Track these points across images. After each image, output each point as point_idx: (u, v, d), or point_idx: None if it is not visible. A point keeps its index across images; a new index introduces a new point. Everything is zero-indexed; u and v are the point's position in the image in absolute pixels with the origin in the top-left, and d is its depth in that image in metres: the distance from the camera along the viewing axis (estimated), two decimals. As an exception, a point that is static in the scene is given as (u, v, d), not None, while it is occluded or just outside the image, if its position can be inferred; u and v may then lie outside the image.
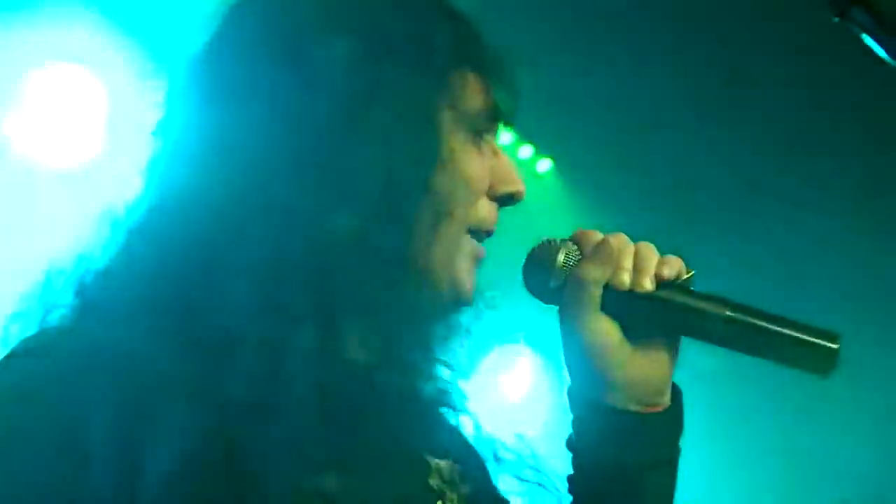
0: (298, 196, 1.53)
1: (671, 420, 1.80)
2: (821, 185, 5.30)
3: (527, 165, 5.53)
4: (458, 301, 1.70)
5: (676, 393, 1.81)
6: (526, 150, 5.40)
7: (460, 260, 1.67)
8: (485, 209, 1.72)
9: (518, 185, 1.74)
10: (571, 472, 1.83)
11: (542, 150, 5.46)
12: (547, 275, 1.76)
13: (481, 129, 1.70)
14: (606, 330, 1.73)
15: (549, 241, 1.79)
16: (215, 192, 1.54)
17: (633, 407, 1.76)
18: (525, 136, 5.33)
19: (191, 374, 1.47)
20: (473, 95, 1.69)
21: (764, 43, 4.87)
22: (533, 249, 1.79)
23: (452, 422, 1.78)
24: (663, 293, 1.73)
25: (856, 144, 5.17)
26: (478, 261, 1.71)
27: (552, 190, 5.61)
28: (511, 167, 1.75)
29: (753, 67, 5.00)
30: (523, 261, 1.80)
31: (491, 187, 1.72)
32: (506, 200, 1.74)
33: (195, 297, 1.52)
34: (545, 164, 5.50)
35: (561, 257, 1.76)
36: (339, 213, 1.54)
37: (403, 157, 1.58)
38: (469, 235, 1.70)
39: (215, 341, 1.48)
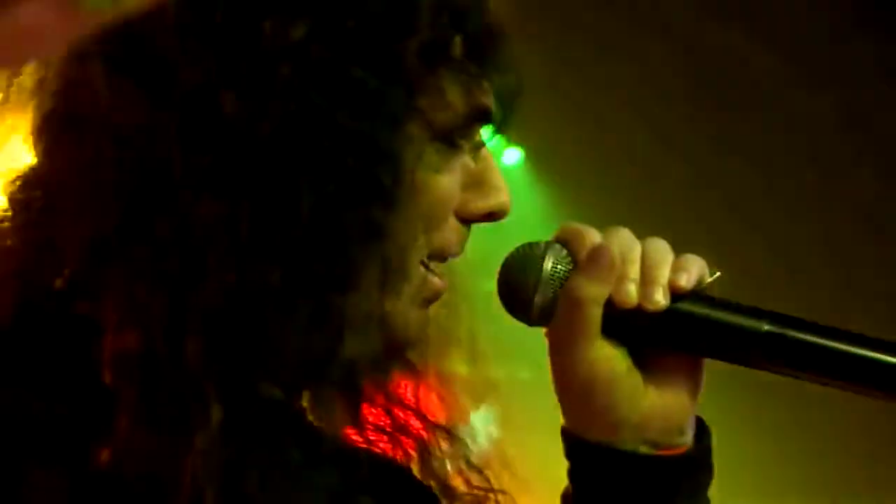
0: (211, 218, 1.33)
1: (695, 465, 1.57)
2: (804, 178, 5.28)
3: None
4: (399, 350, 1.51)
5: (702, 431, 1.58)
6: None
7: (408, 303, 1.46)
8: (449, 234, 1.48)
9: (497, 199, 1.50)
10: None
11: (509, 138, 5.14)
12: (530, 290, 1.52)
13: (460, 139, 1.45)
14: (610, 358, 1.52)
15: (530, 246, 1.54)
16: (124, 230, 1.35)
17: (645, 450, 1.54)
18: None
19: (58, 432, 1.33)
20: (451, 102, 1.44)
21: (742, 30, 4.93)
22: (510, 256, 1.55)
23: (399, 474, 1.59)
24: (680, 307, 1.51)
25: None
26: (431, 300, 1.50)
27: (522, 185, 5.50)
28: (491, 172, 1.49)
29: (735, 57, 5.06)
30: (497, 272, 1.57)
31: (461, 207, 1.48)
32: (480, 219, 1.51)
33: (65, 331, 1.36)
34: (513, 155, 5.37)
35: (548, 266, 1.52)
36: (261, 255, 1.34)
37: (347, 193, 1.36)
38: (423, 269, 1.47)
39: (90, 396, 1.32)
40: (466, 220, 1.51)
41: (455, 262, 1.54)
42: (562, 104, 4.96)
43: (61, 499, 1.31)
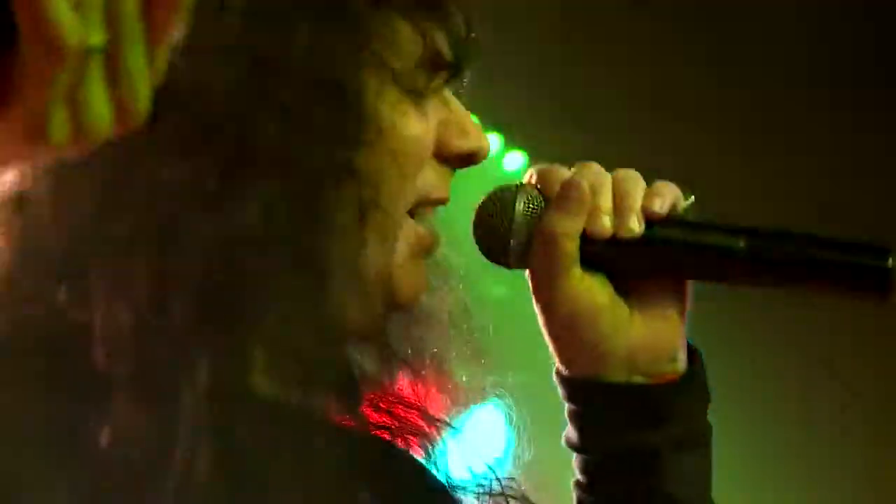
0: (179, 179, 1.32)
1: (691, 389, 1.59)
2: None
3: (493, 160, 5.15)
4: (398, 309, 1.49)
5: (694, 356, 1.60)
6: (492, 141, 4.84)
7: (399, 254, 1.45)
8: (431, 176, 1.48)
9: (476, 141, 1.49)
10: (576, 476, 1.64)
11: (511, 142, 5.21)
12: (505, 233, 1.54)
13: (421, 85, 1.47)
14: (592, 290, 1.54)
15: (501, 189, 1.56)
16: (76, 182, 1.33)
17: (639, 379, 1.56)
18: (490, 123, 4.70)
19: (58, 427, 1.29)
20: (406, 46, 1.46)
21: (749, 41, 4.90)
22: (482, 204, 1.57)
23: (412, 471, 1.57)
24: (656, 232, 1.52)
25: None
26: (425, 251, 1.49)
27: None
28: (466, 119, 1.50)
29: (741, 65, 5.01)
30: (471, 220, 1.58)
31: (440, 148, 1.48)
32: (461, 161, 1.50)
33: (57, 326, 1.33)
34: (516, 159, 5.24)
35: (520, 207, 1.54)
36: (234, 206, 1.32)
37: (310, 135, 1.36)
38: (411, 219, 1.47)
39: (85, 383, 1.29)
40: (447, 162, 1.49)
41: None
42: (565, 108, 4.90)
43: (64, 484, 1.29)
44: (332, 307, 1.37)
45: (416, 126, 1.46)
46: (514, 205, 1.53)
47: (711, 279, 1.56)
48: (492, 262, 1.56)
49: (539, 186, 1.55)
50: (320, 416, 1.41)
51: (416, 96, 1.46)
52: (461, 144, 1.49)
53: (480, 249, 1.56)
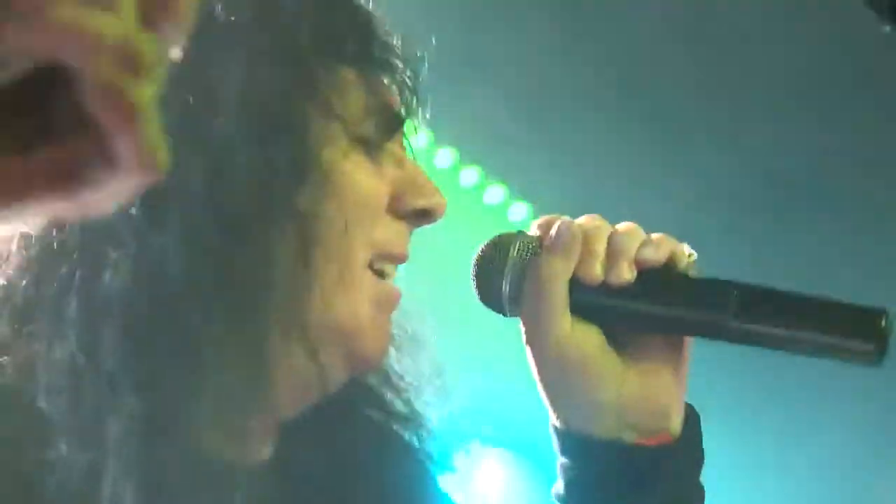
0: (107, 220, 1.28)
1: (684, 452, 1.54)
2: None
3: (498, 210, 5.14)
4: (363, 366, 1.47)
5: (690, 415, 1.56)
6: (496, 193, 5.08)
7: (358, 307, 1.43)
8: (388, 231, 1.48)
9: (432, 198, 1.50)
10: None
11: (515, 193, 5.12)
12: (498, 276, 1.54)
13: (372, 137, 1.48)
14: (582, 337, 1.52)
15: (499, 236, 1.56)
16: None
17: (628, 437, 1.52)
18: (494, 174, 5.00)
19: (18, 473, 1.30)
20: (353, 98, 1.48)
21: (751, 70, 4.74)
22: (481, 249, 1.56)
23: None
24: (648, 284, 1.50)
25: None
26: (387, 304, 1.47)
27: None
28: (421, 176, 1.51)
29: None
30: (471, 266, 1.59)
31: (396, 204, 1.49)
32: (417, 218, 1.51)
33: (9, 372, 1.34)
34: (520, 210, 5.15)
35: (514, 250, 1.54)
36: (156, 242, 1.31)
37: (242, 171, 1.35)
38: (370, 273, 1.46)
39: (37, 429, 1.29)
40: (404, 219, 1.49)
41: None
42: (576, 152, 4.86)
43: None
44: (271, 351, 1.35)
45: (368, 177, 1.45)
46: (510, 249, 1.53)
47: (704, 335, 1.52)
48: (488, 307, 1.56)
49: (539, 234, 1.55)
50: (254, 467, 1.40)
51: (368, 147, 1.46)
52: (416, 201, 1.48)
53: (477, 294, 1.55)
